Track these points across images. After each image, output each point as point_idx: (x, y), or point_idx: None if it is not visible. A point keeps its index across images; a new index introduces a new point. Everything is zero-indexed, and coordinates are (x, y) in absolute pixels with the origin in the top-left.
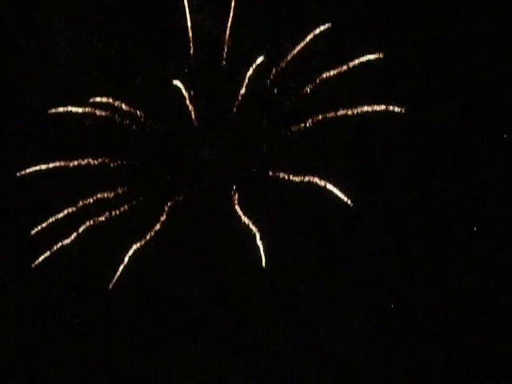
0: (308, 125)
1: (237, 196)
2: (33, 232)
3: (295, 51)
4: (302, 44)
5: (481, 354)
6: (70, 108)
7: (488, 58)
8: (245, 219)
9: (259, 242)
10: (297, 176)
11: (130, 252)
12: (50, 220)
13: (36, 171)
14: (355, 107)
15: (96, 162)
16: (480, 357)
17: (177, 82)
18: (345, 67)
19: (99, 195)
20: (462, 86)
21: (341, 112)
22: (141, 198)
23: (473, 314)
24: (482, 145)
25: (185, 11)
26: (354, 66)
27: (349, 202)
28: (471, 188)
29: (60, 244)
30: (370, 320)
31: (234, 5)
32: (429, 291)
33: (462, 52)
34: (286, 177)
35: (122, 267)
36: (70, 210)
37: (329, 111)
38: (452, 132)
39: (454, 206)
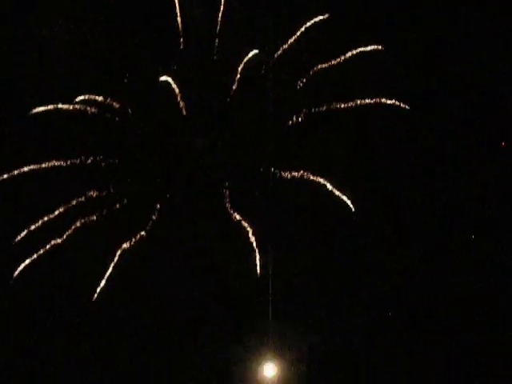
0: (301, 119)
1: (228, 193)
2: (27, 231)
3: (290, 43)
4: (296, 35)
5: (481, 353)
6: (56, 106)
7: (488, 55)
8: (236, 216)
9: (252, 238)
10: (290, 172)
11: (119, 251)
12: (41, 220)
13: (29, 171)
14: (353, 101)
15: (88, 161)
16: (480, 357)
17: (167, 78)
18: (344, 59)
19: (91, 194)
20: (462, 84)
21: (338, 106)
22: (132, 197)
23: (473, 314)
24: (482, 142)
25: (175, 6)
26: (354, 60)
27: (344, 198)
28: (471, 187)
29: (52, 243)
30: (369, 317)
31: None
32: (428, 288)
33: (462, 48)
34: (280, 172)
35: (112, 265)
36: (61, 209)
37: (325, 105)
38: (452, 130)
39: (454, 203)
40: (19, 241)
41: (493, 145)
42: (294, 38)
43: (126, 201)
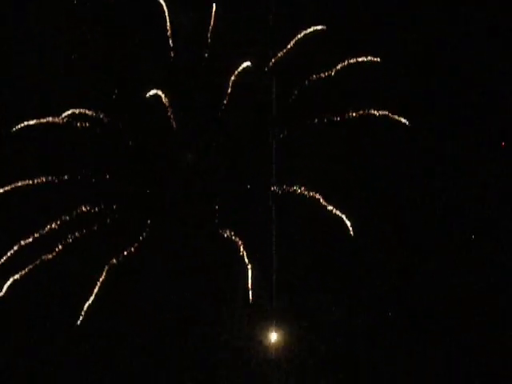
0: (294, 132)
1: (219, 208)
2: (23, 242)
3: (282, 53)
4: (288, 47)
5: (481, 353)
6: (46, 120)
7: (488, 58)
8: (227, 233)
9: (243, 252)
10: (283, 186)
11: (108, 267)
12: (32, 235)
13: (20, 186)
14: (348, 113)
15: (78, 177)
16: (480, 357)
17: (157, 91)
18: (339, 70)
19: (82, 209)
20: (462, 84)
21: (333, 118)
22: (123, 212)
23: (473, 314)
24: (482, 142)
25: (165, 18)
26: (349, 71)
27: (338, 212)
28: (471, 187)
29: (46, 257)
30: (369, 317)
31: (217, 5)
32: (428, 288)
33: (462, 48)
34: (273, 187)
35: (101, 279)
36: (53, 224)
37: (319, 116)
38: (452, 130)
39: (454, 205)
40: (9, 256)
41: (493, 145)
42: (286, 48)
43: (116, 216)
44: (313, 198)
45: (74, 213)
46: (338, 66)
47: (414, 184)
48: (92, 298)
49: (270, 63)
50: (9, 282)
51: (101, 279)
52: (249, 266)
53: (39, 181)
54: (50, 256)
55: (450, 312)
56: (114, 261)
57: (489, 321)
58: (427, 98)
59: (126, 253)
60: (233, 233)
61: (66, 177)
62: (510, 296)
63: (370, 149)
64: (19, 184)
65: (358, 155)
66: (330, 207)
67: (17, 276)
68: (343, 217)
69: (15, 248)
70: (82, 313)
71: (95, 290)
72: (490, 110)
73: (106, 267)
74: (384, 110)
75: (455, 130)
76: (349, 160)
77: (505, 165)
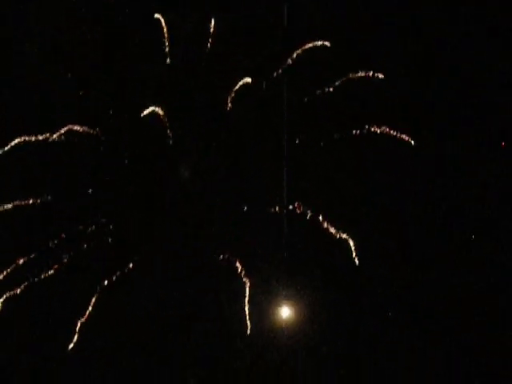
0: (296, 148)
1: (216, 231)
2: (14, 265)
3: (283, 68)
4: (289, 60)
5: (481, 353)
6: (44, 137)
7: (488, 55)
8: (223, 256)
9: (242, 273)
10: (282, 206)
11: (100, 287)
12: (28, 255)
13: (16, 205)
14: (352, 130)
15: (76, 196)
16: (480, 357)
17: (154, 108)
18: (341, 85)
19: (80, 228)
20: (462, 84)
21: (337, 133)
22: (120, 231)
23: (473, 314)
24: (482, 142)
25: (163, 33)
26: (354, 87)
27: (344, 235)
28: (471, 187)
29: (43, 276)
30: (369, 317)
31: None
32: (429, 290)
33: (462, 48)
34: (273, 208)
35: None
36: (49, 244)
37: (323, 133)
38: (452, 130)
39: (454, 203)
40: (6, 275)
41: (493, 145)
42: (287, 63)
43: (113, 235)
44: (316, 216)
45: (71, 232)
46: (341, 81)
47: (414, 184)
48: (94, 298)
49: (270, 77)
50: (1, 300)
51: (102, 282)
52: (247, 283)
53: (33, 201)
54: (47, 274)
55: (450, 312)
56: (108, 281)
57: (489, 321)
58: (430, 107)
59: (118, 274)
60: (229, 256)
61: (63, 196)
62: (510, 296)
63: (374, 165)
64: (16, 203)
65: (362, 172)
66: (332, 229)
67: (8, 294)
68: (350, 241)
69: (11, 268)
70: (87, 311)
71: (97, 290)
72: (490, 110)
73: (99, 288)
74: (387, 125)
75: (455, 130)
76: (353, 177)
77: (505, 165)
